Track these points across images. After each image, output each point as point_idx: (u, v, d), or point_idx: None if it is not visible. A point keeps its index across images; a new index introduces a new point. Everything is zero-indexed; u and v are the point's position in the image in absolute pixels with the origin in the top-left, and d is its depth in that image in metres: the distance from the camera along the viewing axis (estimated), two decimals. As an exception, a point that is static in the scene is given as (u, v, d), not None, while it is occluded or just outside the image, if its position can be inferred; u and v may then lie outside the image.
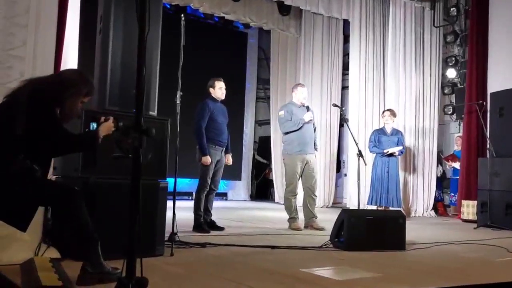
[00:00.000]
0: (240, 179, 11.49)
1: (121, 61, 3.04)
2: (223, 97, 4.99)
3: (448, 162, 8.23)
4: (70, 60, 3.63)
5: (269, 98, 11.59)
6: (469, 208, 6.99)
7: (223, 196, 11.03)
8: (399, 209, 6.21)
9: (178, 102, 3.53)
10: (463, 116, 8.01)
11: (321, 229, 5.02)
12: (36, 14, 3.01)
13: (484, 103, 6.95)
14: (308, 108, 5.39)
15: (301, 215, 5.29)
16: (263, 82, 12.30)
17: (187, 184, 9.77)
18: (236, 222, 5.80)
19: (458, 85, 8.71)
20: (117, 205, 2.65)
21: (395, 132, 6.95)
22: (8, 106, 2.24)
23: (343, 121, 9.35)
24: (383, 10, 8.82)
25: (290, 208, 5.26)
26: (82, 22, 3.90)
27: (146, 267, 1.87)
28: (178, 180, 3.54)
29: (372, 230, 3.71)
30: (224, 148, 4.98)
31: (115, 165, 2.62)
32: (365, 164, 5.44)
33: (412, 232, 4.31)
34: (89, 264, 2.28)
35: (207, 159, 4.72)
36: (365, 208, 6.79)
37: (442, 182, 8.71)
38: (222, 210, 7.27)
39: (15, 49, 2.90)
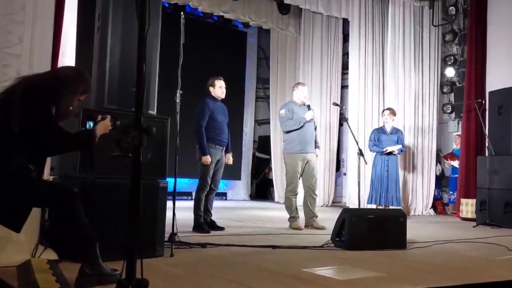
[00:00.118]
0: (239, 179, 11.45)
1: (119, 60, 3.01)
2: (223, 96, 4.96)
3: (447, 160, 8.24)
4: (68, 58, 3.59)
5: (268, 97, 11.56)
6: (468, 207, 6.99)
7: (223, 196, 10.99)
8: (399, 208, 6.20)
9: (178, 101, 3.51)
10: (462, 114, 8.01)
11: (322, 228, 5.00)
12: (33, 11, 2.97)
13: (483, 102, 6.95)
14: (309, 107, 5.36)
15: (301, 215, 5.27)
16: (263, 82, 12.27)
17: (186, 184, 9.73)
18: (236, 222, 5.78)
19: (457, 83, 8.71)
20: (116, 205, 2.63)
21: (395, 131, 6.93)
22: (1, 104, 2.20)
23: (342, 120, 9.35)
24: (382, 9, 8.84)
25: (290, 207, 5.24)
26: (79, 20, 3.85)
27: (146, 268, 1.84)
28: (178, 180, 3.51)
29: (373, 229, 3.71)
30: (224, 148, 4.95)
31: (114, 164, 2.59)
32: (366, 163, 5.43)
33: (412, 230, 4.29)
34: (88, 266, 2.24)
35: (207, 159, 4.69)
36: (365, 207, 6.78)
37: (441, 180, 8.71)
38: (222, 210, 7.24)
39: (12, 47, 2.87)
